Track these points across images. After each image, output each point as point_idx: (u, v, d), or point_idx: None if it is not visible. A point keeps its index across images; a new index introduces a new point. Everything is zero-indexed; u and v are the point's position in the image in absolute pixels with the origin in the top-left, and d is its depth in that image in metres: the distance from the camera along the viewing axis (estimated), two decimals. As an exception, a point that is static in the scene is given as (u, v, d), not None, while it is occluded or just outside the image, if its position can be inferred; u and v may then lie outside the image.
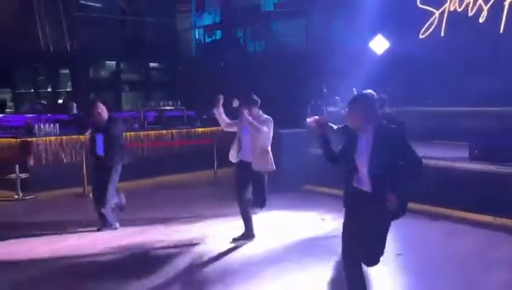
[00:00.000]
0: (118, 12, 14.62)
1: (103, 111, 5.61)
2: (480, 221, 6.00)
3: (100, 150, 5.61)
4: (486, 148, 6.44)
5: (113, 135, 5.60)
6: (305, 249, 5.02)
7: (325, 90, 9.21)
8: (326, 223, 5.93)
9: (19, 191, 7.81)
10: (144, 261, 4.87)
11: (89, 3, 14.18)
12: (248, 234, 5.24)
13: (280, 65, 11.67)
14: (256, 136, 5.01)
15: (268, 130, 5.08)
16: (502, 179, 5.99)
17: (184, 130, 10.17)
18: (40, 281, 4.46)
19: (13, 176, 7.81)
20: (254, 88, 11.75)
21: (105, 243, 5.35)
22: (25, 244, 5.42)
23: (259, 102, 5.12)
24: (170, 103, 11.76)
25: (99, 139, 5.63)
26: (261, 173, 5.11)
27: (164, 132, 9.93)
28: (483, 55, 8.64)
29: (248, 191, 5.16)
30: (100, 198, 5.64)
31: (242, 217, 5.23)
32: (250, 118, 5.01)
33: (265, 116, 5.14)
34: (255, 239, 5.29)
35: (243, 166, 5.12)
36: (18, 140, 8.33)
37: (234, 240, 5.21)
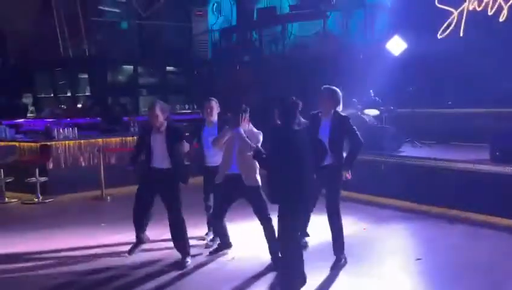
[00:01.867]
0: (135, 16, 14.78)
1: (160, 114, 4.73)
2: (500, 224, 5.87)
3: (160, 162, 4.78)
4: (507, 150, 6.29)
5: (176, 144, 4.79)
6: (321, 253, 4.96)
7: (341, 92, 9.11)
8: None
9: (39, 195, 7.95)
10: (159, 264, 4.89)
11: (107, 9, 14.37)
12: (226, 245, 5.14)
13: (296, 67, 11.64)
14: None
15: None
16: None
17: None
18: (58, 283, 4.52)
19: (33, 179, 7.95)
20: (271, 90, 11.80)
21: (122, 247, 5.39)
22: (45, 246, 5.51)
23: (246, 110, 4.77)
24: (187, 106, 11.80)
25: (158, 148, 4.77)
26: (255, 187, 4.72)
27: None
28: (504, 55, 8.45)
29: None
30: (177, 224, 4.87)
31: (217, 230, 5.09)
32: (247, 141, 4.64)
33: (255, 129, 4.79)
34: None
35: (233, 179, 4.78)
36: (38, 144, 8.48)
37: (211, 253, 5.09)
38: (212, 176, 5.08)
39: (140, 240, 5.19)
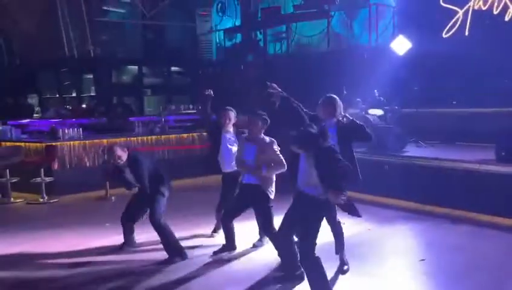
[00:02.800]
0: (139, 17, 14.83)
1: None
2: (505, 225, 5.84)
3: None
4: (513, 150, 6.25)
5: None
6: (323, 254, 4.94)
7: (345, 92, 9.12)
8: (346, 227, 5.84)
9: (44, 195, 7.99)
10: (164, 264, 4.91)
11: (112, 9, 14.43)
12: (230, 246, 5.16)
13: (300, 67, 11.63)
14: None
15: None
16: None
17: (205, 133, 10.21)
18: (62, 282, 4.55)
19: (38, 179, 8.00)
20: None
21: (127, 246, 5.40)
22: (50, 245, 5.55)
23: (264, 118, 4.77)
24: (191, 106, 11.83)
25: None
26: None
27: (185, 135, 10.01)
28: (509, 54, 8.40)
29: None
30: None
31: (224, 230, 5.16)
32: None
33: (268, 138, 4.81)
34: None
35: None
36: (43, 144, 8.53)
37: (215, 253, 5.10)
38: (228, 183, 5.31)
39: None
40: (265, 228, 4.91)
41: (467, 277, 4.40)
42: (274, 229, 4.71)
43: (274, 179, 4.82)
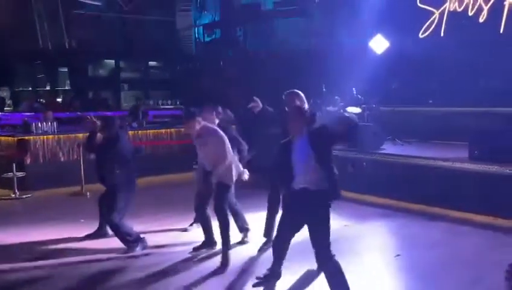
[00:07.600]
0: (117, 10, 14.57)
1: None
2: (480, 222, 5.97)
3: None
4: (486, 149, 6.40)
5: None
6: (300, 251, 4.95)
7: (324, 89, 9.18)
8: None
9: (16, 190, 7.78)
10: (146, 261, 4.84)
11: (88, 1, 14.13)
12: (210, 242, 5.12)
13: (280, 64, 11.64)
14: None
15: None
16: (502, 180, 5.95)
17: (182, 129, 10.12)
18: (35, 280, 4.43)
19: (10, 174, 7.78)
20: (253, 87, 11.77)
21: (102, 243, 5.32)
22: (21, 241, 5.40)
23: (196, 115, 4.94)
24: (169, 102, 11.72)
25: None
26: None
27: (163, 131, 9.90)
28: (483, 55, 8.59)
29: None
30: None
31: (202, 225, 5.15)
32: None
33: (211, 128, 4.95)
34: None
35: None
36: (15, 138, 8.30)
37: (195, 249, 5.06)
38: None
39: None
40: (215, 208, 4.84)
41: (442, 272, 4.48)
42: (225, 209, 4.81)
43: (226, 164, 4.79)
